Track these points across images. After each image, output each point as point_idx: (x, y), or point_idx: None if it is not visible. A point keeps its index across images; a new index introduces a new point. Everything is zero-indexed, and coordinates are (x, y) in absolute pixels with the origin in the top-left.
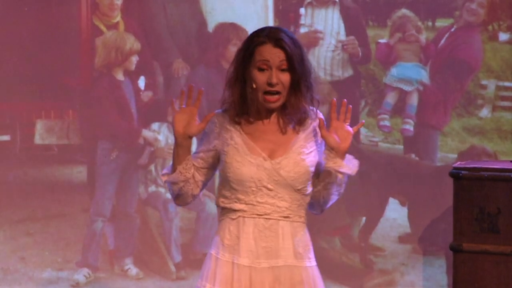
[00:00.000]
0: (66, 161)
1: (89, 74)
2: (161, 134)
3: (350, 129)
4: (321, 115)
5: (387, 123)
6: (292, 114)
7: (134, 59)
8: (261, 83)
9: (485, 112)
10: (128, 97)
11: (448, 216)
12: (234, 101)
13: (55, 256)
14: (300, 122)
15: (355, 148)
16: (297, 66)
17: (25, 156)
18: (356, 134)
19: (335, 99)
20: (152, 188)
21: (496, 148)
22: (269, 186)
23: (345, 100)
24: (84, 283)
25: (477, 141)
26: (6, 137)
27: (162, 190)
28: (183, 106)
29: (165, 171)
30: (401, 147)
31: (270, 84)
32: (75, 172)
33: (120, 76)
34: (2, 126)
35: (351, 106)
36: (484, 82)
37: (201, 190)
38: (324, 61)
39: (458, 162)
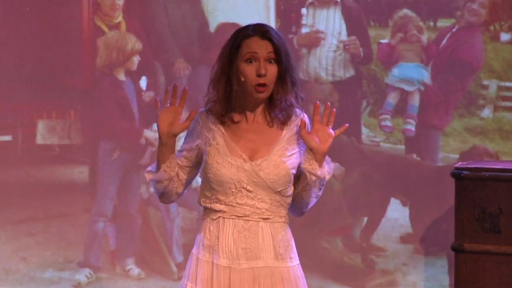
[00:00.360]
0: (68, 161)
1: (90, 74)
2: None
3: (331, 131)
4: (306, 117)
5: (388, 123)
6: (279, 107)
7: (136, 59)
8: (250, 75)
9: (486, 112)
10: (129, 97)
11: (449, 216)
12: (219, 99)
13: (56, 256)
14: (286, 116)
15: (357, 148)
16: (284, 58)
17: (26, 156)
18: (358, 134)
19: (318, 102)
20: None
21: (497, 148)
22: (248, 187)
23: (328, 103)
24: (85, 283)
25: (478, 141)
26: (7, 137)
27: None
28: (168, 105)
29: (149, 169)
30: (403, 147)
31: (259, 76)
32: (76, 172)
33: (121, 76)
34: (4, 126)
35: (334, 109)
36: (485, 82)
37: (185, 188)
38: (326, 61)
39: (460, 163)
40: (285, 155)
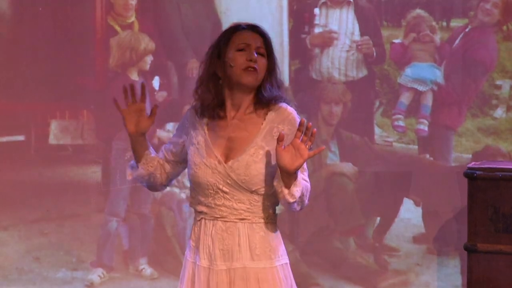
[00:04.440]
0: (81, 161)
1: (103, 74)
2: None
3: (306, 153)
4: (292, 112)
5: (401, 123)
6: (266, 99)
7: (149, 59)
8: (240, 60)
9: (499, 112)
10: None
11: (462, 217)
12: (205, 95)
13: (69, 256)
14: (269, 108)
15: (370, 148)
16: (273, 54)
17: (39, 156)
18: (371, 134)
19: (304, 119)
20: (166, 188)
21: (510, 148)
22: (224, 189)
23: (310, 123)
24: (98, 283)
25: (491, 141)
26: (20, 137)
27: (176, 190)
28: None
29: (129, 167)
30: (416, 147)
31: (250, 60)
32: (89, 172)
33: (134, 76)
34: (17, 126)
35: (315, 129)
36: (498, 82)
37: (170, 180)
38: (339, 61)
39: (473, 163)
40: (259, 154)
